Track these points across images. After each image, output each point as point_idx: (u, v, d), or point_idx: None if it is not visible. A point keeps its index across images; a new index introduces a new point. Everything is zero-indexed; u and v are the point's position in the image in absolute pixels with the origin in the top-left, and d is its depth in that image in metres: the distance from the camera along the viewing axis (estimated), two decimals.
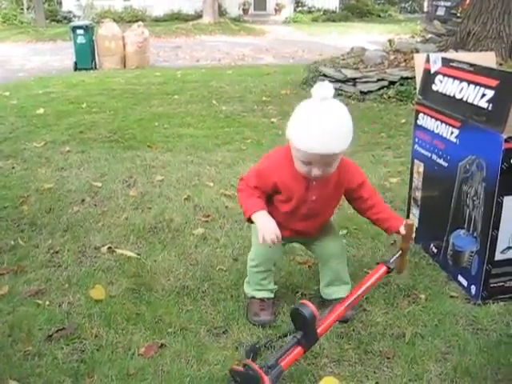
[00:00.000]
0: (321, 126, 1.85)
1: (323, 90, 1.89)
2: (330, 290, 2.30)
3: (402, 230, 2.12)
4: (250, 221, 2.08)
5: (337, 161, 1.97)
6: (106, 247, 2.84)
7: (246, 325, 2.19)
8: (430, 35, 9.80)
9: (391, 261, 2.11)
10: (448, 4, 14.96)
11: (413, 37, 10.99)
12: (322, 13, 24.55)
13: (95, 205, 3.44)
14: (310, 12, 25.12)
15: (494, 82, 2.23)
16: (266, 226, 1.99)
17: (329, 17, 23.89)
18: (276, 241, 1.98)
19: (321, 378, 1.85)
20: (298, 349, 1.84)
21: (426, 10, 19.70)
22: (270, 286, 2.30)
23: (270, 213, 2.08)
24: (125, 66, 10.73)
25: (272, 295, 2.31)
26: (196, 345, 2.07)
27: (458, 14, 12.07)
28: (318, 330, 1.86)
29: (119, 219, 3.21)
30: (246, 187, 2.10)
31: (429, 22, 13.78)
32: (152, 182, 3.82)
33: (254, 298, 2.29)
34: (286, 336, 1.95)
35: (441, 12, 15.08)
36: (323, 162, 1.92)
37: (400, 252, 2.15)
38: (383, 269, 2.08)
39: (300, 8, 25.57)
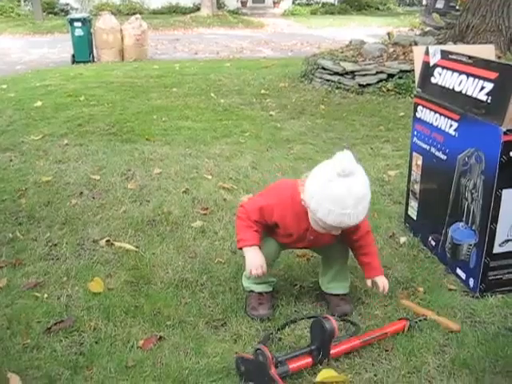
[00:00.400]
0: (351, 207, 1.85)
1: (348, 164, 1.85)
2: (330, 285, 2.30)
3: (369, 283, 2.23)
4: (241, 249, 2.16)
5: None
6: (104, 240, 2.84)
7: (244, 317, 2.20)
8: (428, 28, 9.77)
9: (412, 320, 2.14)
10: None
11: (412, 30, 10.94)
12: (320, 5, 24.45)
13: (93, 198, 3.43)
14: (308, 5, 25.02)
15: (493, 75, 2.23)
16: (253, 262, 2.09)
17: (327, 9, 23.80)
18: (261, 275, 2.10)
19: (319, 371, 1.86)
20: (308, 359, 1.88)
21: (424, 2, 19.62)
22: (269, 279, 2.29)
23: (270, 237, 2.20)
24: (123, 59, 10.69)
25: (270, 288, 2.31)
26: (194, 337, 2.07)
27: (457, 7, 12.01)
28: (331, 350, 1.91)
29: (117, 212, 3.21)
30: (246, 218, 2.13)
31: (428, 15, 13.72)
32: (150, 175, 3.81)
33: (252, 291, 2.28)
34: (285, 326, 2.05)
35: (440, 5, 15.00)
36: (337, 230, 2.01)
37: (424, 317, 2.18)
38: (403, 323, 2.11)
39: (298, 1, 25.44)
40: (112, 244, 2.81)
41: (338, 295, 2.28)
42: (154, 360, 1.95)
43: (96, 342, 2.04)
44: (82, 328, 2.13)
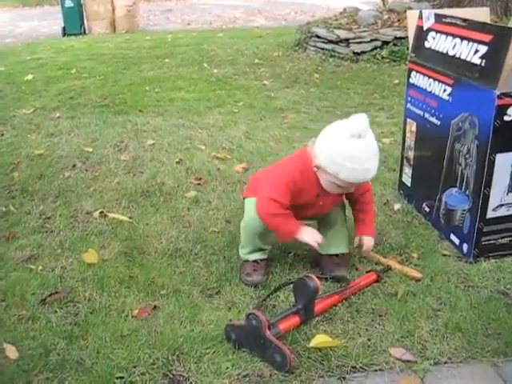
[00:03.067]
0: (367, 162, 1.99)
1: (361, 126, 1.98)
2: (330, 245, 2.27)
3: (356, 240, 2.29)
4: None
5: None
6: (97, 212, 2.83)
7: (238, 285, 2.20)
8: None
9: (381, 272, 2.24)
10: None
11: None
12: None
13: (86, 170, 3.41)
14: None
15: (487, 37, 2.19)
16: (311, 238, 2.09)
17: None
18: (322, 241, 2.11)
19: (313, 336, 1.86)
20: (296, 318, 1.90)
21: None
22: (264, 247, 2.28)
23: None
24: (114, 31, 10.54)
25: (265, 256, 2.31)
26: (189, 306, 2.08)
27: None
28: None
29: (111, 184, 3.19)
30: (282, 210, 2.08)
31: None
32: (143, 147, 3.79)
33: (247, 260, 2.28)
34: (278, 290, 2.12)
35: None
36: (352, 188, 2.10)
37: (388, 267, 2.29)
38: (373, 276, 2.22)
39: None
40: (106, 215, 2.80)
41: (334, 257, 2.28)
42: (148, 329, 1.95)
43: (91, 313, 2.05)
44: (77, 299, 2.13)
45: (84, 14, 10.37)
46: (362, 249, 2.27)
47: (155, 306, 2.08)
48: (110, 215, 2.79)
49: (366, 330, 1.95)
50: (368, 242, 2.25)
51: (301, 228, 2.10)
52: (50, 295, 2.14)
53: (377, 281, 2.20)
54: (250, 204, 2.22)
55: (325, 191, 2.12)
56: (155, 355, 1.82)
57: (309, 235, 2.09)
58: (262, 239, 2.24)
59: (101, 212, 2.82)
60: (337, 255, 2.29)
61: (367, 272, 2.24)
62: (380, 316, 2.01)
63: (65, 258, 2.42)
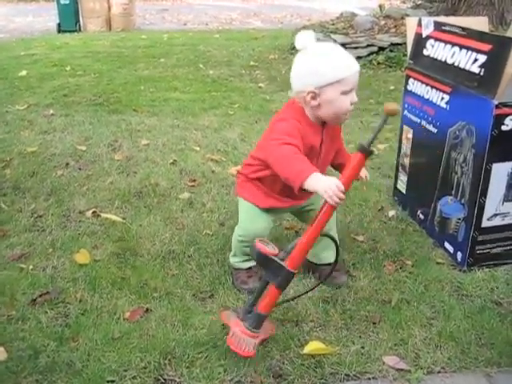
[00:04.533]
0: (341, 50, 1.93)
1: (309, 35, 1.94)
2: (324, 254, 2.25)
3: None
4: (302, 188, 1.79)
5: None
6: (90, 211, 2.80)
7: (231, 289, 2.18)
8: (420, 1, 9.66)
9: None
10: None
11: (403, 2, 10.82)
12: None
13: (80, 169, 3.38)
14: None
15: (486, 47, 2.19)
16: (327, 185, 1.69)
17: None
18: (343, 196, 1.70)
19: (306, 343, 1.85)
20: (271, 288, 1.76)
21: None
22: None
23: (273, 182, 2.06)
24: (110, 29, 10.50)
25: None
26: (181, 309, 2.06)
27: None
28: (286, 265, 1.74)
29: (104, 183, 3.16)
30: (296, 151, 1.83)
31: None
32: (137, 146, 3.76)
33: (240, 269, 2.25)
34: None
35: None
36: (355, 86, 1.93)
37: None
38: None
39: None
40: (98, 215, 2.77)
41: (329, 265, 2.25)
42: (140, 332, 1.93)
43: (82, 314, 2.02)
44: (68, 299, 2.10)
45: (79, 11, 10.33)
46: (362, 180, 2.18)
47: (147, 309, 2.05)
48: (103, 215, 2.77)
49: (360, 337, 1.94)
50: (363, 172, 2.12)
51: (311, 174, 1.73)
52: (40, 295, 2.11)
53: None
54: (244, 208, 2.19)
55: (326, 135, 2.00)
56: (147, 359, 1.80)
57: (323, 183, 1.70)
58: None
59: (93, 212, 2.80)
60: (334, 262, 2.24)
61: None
62: (374, 323, 2.00)
63: (56, 257, 2.39)
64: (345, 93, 1.90)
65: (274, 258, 1.75)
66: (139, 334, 1.92)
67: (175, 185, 3.15)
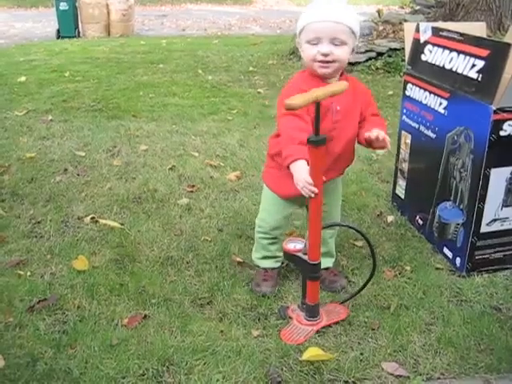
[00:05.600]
0: (323, 2, 1.89)
1: None
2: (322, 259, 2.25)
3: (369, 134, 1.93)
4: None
5: (344, 46, 1.88)
6: (89, 217, 2.80)
7: (230, 295, 2.18)
8: (418, 6, 9.68)
9: None
10: None
11: (402, 7, 10.84)
12: None
13: (78, 174, 3.38)
14: None
15: (484, 52, 2.19)
16: (296, 178, 1.79)
17: None
18: (310, 192, 1.77)
19: (305, 349, 1.85)
20: (305, 280, 1.97)
21: None
22: (277, 253, 2.26)
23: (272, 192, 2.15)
24: (109, 35, 10.54)
25: (277, 265, 2.29)
26: (180, 316, 2.05)
27: None
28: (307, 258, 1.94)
29: (103, 189, 3.16)
30: (292, 115, 1.84)
31: None
32: (136, 152, 3.76)
33: (258, 267, 2.29)
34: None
35: None
36: (331, 38, 1.86)
37: None
38: None
39: None
40: (97, 221, 2.77)
41: (327, 270, 2.27)
42: (138, 338, 1.92)
43: (80, 321, 2.02)
44: (66, 306, 2.10)
45: (79, 16, 10.36)
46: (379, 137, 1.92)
47: (145, 315, 2.05)
48: (102, 221, 2.76)
49: (359, 343, 1.93)
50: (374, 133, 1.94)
51: (295, 160, 1.80)
52: (38, 302, 2.10)
53: None
54: (265, 197, 2.21)
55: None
56: (145, 366, 1.79)
57: (301, 175, 1.77)
58: (268, 240, 2.23)
59: (92, 218, 2.79)
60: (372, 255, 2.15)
61: None
62: (373, 329, 1.99)
63: (54, 264, 2.39)
64: (309, 42, 1.90)
65: (297, 254, 1.97)
66: (137, 340, 1.92)
67: (174, 190, 3.15)
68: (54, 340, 1.90)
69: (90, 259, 2.42)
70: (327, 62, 1.89)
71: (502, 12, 7.12)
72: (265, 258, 2.27)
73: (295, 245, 2.01)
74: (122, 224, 2.74)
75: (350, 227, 2.19)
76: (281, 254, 2.25)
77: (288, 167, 1.83)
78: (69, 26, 10.14)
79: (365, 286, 2.09)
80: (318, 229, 1.89)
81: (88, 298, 2.14)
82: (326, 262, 2.24)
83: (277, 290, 2.21)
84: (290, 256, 2.02)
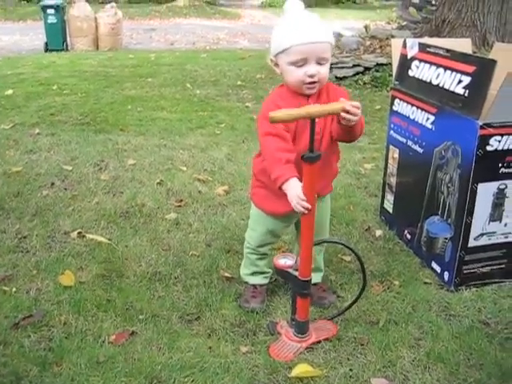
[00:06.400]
0: (303, 20, 1.87)
1: (294, 2, 1.91)
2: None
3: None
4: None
5: (328, 62, 1.88)
6: (75, 232, 2.77)
7: (218, 311, 2.16)
8: (405, 22, 9.81)
9: None
10: None
11: (388, 23, 10.99)
12: None
13: (65, 189, 3.35)
14: None
15: (470, 68, 2.22)
16: (290, 196, 1.81)
17: (305, 2, 23.06)
18: (303, 209, 1.79)
19: (294, 366, 1.83)
20: (296, 297, 1.95)
21: None
22: (265, 269, 2.26)
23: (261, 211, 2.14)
24: (97, 48, 10.52)
25: (265, 281, 2.28)
26: (168, 332, 2.03)
27: (433, 2, 12.10)
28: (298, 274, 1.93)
29: (90, 203, 3.14)
30: (275, 131, 1.86)
31: (404, 10, 13.78)
32: (124, 166, 3.74)
33: (247, 283, 2.27)
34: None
35: None
36: (317, 58, 1.84)
37: None
38: None
39: None
40: (84, 236, 2.74)
41: (316, 285, 2.24)
42: (125, 355, 1.90)
43: (66, 337, 1.99)
44: (52, 323, 2.07)
45: (67, 30, 10.34)
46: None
47: (133, 332, 2.02)
48: (89, 236, 2.74)
49: (348, 359, 1.92)
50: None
51: (287, 180, 1.82)
52: (23, 319, 2.07)
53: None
54: (253, 214, 2.20)
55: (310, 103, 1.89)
56: (132, 383, 1.76)
57: (295, 192, 1.80)
58: (257, 255, 2.22)
59: (79, 232, 2.77)
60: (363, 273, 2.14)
61: None
62: (362, 345, 1.98)
63: (40, 279, 2.36)
64: (292, 63, 1.85)
65: (288, 270, 1.97)
66: (124, 357, 1.89)
67: (162, 205, 3.13)
68: (40, 357, 1.87)
69: (77, 274, 2.39)
70: (314, 82, 1.88)
71: (487, 28, 7.23)
72: (254, 273, 2.26)
73: (286, 260, 2.00)
74: (109, 239, 2.72)
75: (344, 245, 2.19)
76: (269, 270, 2.25)
77: (280, 188, 1.85)
78: (57, 39, 10.11)
79: (354, 302, 2.09)
80: (309, 245, 1.89)
81: (74, 314, 2.11)
82: (315, 277, 2.21)
83: (265, 305, 2.21)
84: (280, 272, 2.01)
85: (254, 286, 2.25)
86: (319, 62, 1.86)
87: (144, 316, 2.12)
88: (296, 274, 1.93)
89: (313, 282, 2.15)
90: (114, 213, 3.01)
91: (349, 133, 1.92)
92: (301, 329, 1.97)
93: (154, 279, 2.38)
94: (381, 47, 7.09)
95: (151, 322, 2.09)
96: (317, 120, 1.79)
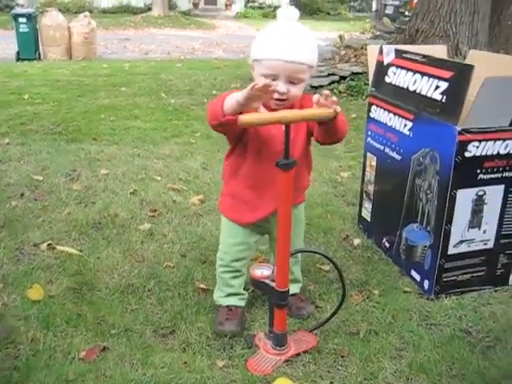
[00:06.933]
0: (284, 34, 1.75)
1: (288, 11, 1.77)
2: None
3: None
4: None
5: (302, 83, 1.80)
6: (45, 244, 2.67)
7: (193, 324, 2.09)
8: (379, 32, 9.90)
9: None
10: (396, 3, 15.27)
11: (363, 33, 11.07)
12: (272, 9, 24.53)
13: (35, 199, 3.25)
14: (260, 8, 25.12)
15: (447, 74, 2.20)
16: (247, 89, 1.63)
17: None
18: (263, 88, 1.60)
19: (274, 380, 1.77)
20: (273, 308, 1.89)
21: (374, 8, 20.02)
22: (241, 291, 2.14)
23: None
24: (71, 58, 10.38)
25: (241, 303, 2.14)
26: (141, 347, 1.95)
27: (406, 13, 12.27)
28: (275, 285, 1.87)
29: (61, 214, 3.04)
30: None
31: (378, 21, 13.96)
32: (97, 176, 3.65)
33: (220, 305, 2.13)
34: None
35: (389, 11, 15.35)
36: (288, 76, 1.75)
37: None
38: None
39: (251, 4, 25.52)
40: (54, 248, 2.65)
41: (295, 295, 2.17)
42: (96, 372, 1.81)
43: (33, 355, 1.89)
44: (19, 339, 1.97)
45: (39, 39, 10.20)
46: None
47: (104, 347, 1.93)
48: (59, 248, 2.64)
49: (328, 372, 1.86)
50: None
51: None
52: None
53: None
54: (223, 227, 2.10)
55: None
56: None
57: (241, 93, 1.64)
58: (231, 273, 2.10)
59: (49, 244, 2.67)
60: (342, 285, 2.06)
61: None
62: (342, 357, 1.93)
63: (7, 294, 2.26)
64: (263, 75, 1.77)
65: (264, 281, 1.89)
66: (95, 374, 1.81)
67: (135, 215, 3.05)
68: (4, 377, 1.77)
69: (46, 288, 2.30)
70: (283, 99, 1.80)
71: (459, 38, 7.31)
72: (228, 295, 2.13)
73: (262, 271, 1.92)
74: (80, 251, 2.63)
75: (322, 254, 2.14)
76: (245, 292, 2.16)
77: (224, 114, 1.69)
78: (29, 48, 9.95)
79: (334, 314, 2.04)
80: (286, 255, 1.83)
81: (43, 330, 2.01)
82: (293, 288, 2.15)
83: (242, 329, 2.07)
84: (256, 283, 1.93)
85: (229, 307, 2.10)
86: (291, 81, 1.78)
87: (116, 330, 2.03)
88: (273, 284, 1.86)
89: (291, 292, 2.07)
90: (85, 224, 2.92)
91: (332, 133, 1.85)
92: (279, 341, 1.91)
93: (127, 292, 2.30)
94: (355, 56, 7.13)
95: (124, 336, 2.00)
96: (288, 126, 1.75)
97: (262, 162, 1.90)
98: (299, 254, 2.22)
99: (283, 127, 1.74)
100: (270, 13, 23.85)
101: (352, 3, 28.65)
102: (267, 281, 1.89)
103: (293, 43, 1.75)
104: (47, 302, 2.19)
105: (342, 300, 1.99)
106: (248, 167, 1.95)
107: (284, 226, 1.77)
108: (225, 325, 2.03)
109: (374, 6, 19.96)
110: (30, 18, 9.95)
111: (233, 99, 1.68)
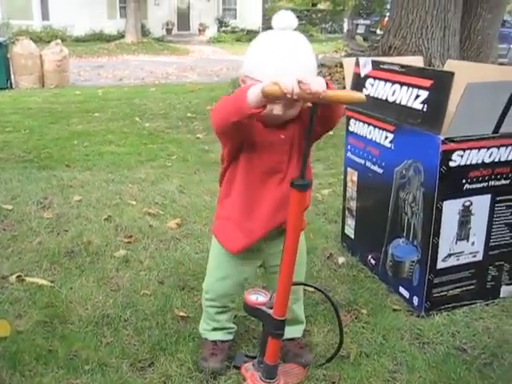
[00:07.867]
0: (282, 52, 1.60)
1: (283, 19, 1.63)
2: (288, 327, 1.78)
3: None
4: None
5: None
6: (14, 276, 2.52)
7: (174, 355, 1.95)
8: (351, 51, 9.97)
9: None
10: (367, 22, 15.53)
11: (336, 52, 11.16)
12: (245, 33, 24.75)
13: (4, 229, 3.09)
14: (233, 32, 25.31)
15: (427, 82, 2.13)
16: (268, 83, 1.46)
17: (252, 37, 23.46)
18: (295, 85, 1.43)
19: None
20: (268, 337, 1.70)
21: (346, 28, 20.28)
22: (228, 325, 1.98)
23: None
24: (43, 86, 10.23)
25: (229, 337, 1.98)
26: (117, 382, 1.81)
27: (378, 32, 12.42)
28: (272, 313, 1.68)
29: (31, 244, 2.89)
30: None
31: (350, 40, 14.14)
32: (69, 203, 3.51)
33: (206, 339, 1.97)
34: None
35: (361, 30, 15.59)
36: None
37: None
38: None
39: (224, 28, 25.71)
40: (23, 280, 2.50)
41: (293, 341, 1.97)
42: None
43: None
44: None
45: (11, 67, 10.05)
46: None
47: None
48: (29, 279, 2.50)
49: None
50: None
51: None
52: None
53: None
54: (213, 253, 1.89)
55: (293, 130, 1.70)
56: None
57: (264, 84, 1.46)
58: (217, 308, 1.93)
59: (18, 276, 2.52)
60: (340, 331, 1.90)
61: None
62: (333, 383, 1.81)
63: None
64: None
65: (261, 307, 1.72)
66: None
67: (110, 242, 2.91)
68: None
69: (14, 323, 2.15)
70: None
71: (432, 53, 7.38)
72: (214, 329, 1.97)
73: (258, 296, 1.75)
74: (51, 281, 2.49)
75: (320, 291, 1.92)
76: (233, 325, 2.00)
77: (250, 107, 1.51)
78: (0, 77, 9.80)
79: (331, 359, 1.90)
80: (289, 280, 1.65)
81: (9, 370, 1.86)
82: (294, 331, 1.97)
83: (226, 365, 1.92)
84: (251, 309, 1.75)
85: (215, 342, 1.95)
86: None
87: (90, 366, 1.89)
88: (270, 312, 1.69)
89: (291, 336, 1.94)
90: (57, 253, 2.78)
91: (326, 118, 1.70)
92: (269, 373, 1.72)
93: (102, 323, 2.16)
94: (330, 74, 7.13)
95: (98, 372, 1.86)
96: (283, 137, 1.68)
97: (255, 178, 1.73)
98: (301, 292, 2.00)
99: (282, 135, 1.68)
100: (242, 36, 24.05)
101: (323, 25, 29.04)
102: (264, 308, 1.71)
103: (289, 63, 1.59)
104: (15, 339, 2.04)
105: (339, 345, 1.86)
106: (241, 182, 1.75)
107: (290, 250, 1.61)
108: (209, 361, 1.88)
109: (346, 26, 20.23)
110: (1, 47, 9.79)
111: (257, 90, 1.48)
